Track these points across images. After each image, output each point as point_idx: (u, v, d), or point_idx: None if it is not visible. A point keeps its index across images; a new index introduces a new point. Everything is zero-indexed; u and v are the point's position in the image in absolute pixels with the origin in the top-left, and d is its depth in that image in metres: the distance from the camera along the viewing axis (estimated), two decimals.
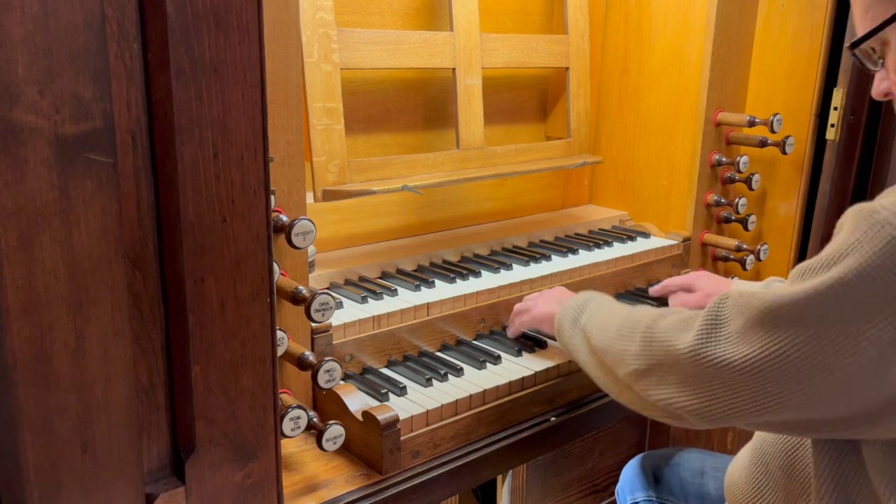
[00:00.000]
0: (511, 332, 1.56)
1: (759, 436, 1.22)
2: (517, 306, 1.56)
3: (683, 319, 1.07)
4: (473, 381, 1.39)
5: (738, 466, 1.25)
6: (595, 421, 1.52)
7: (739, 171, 1.97)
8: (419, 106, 1.83)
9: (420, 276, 1.65)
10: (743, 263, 1.97)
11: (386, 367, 1.45)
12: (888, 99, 1.08)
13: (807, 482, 1.09)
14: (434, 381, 1.37)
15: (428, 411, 1.28)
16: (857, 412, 0.93)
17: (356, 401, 1.26)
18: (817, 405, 0.93)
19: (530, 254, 1.83)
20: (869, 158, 1.90)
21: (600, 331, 1.23)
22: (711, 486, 1.46)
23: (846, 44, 1.06)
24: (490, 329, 1.61)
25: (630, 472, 1.60)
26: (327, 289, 1.49)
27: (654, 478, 1.56)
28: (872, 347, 0.87)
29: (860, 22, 1.04)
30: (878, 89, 1.08)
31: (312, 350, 1.31)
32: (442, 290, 1.58)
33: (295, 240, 1.16)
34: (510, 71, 1.99)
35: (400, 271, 1.70)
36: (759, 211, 2.05)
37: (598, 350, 1.22)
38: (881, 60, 1.04)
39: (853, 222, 0.91)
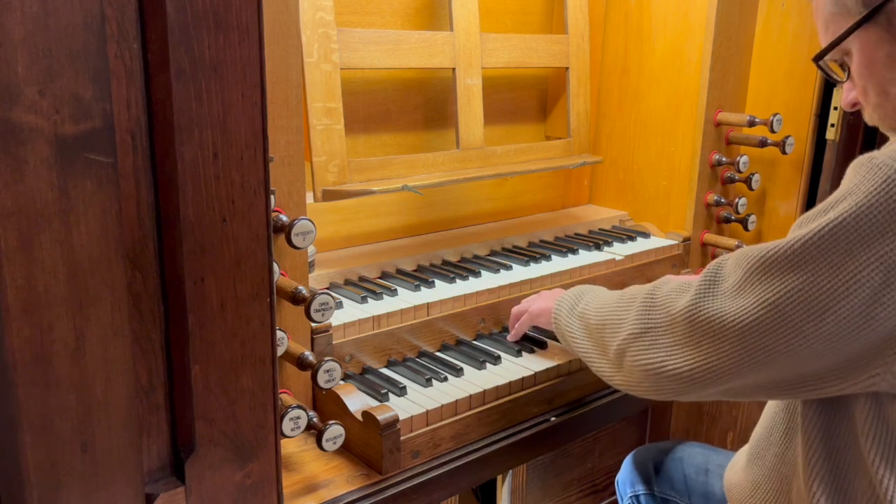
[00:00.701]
0: (512, 337, 1.56)
1: (755, 435, 1.23)
2: (515, 309, 1.56)
3: (685, 282, 1.09)
4: (473, 381, 1.39)
5: (737, 469, 1.26)
6: (595, 421, 1.52)
7: (739, 171, 1.97)
8: (419, 106, 1.83)
9: (420, 276, 1.65)
10: None
11: (386, 367, 1.45)
12: (856, 108, 1.11)
13: (798, 463, 1.09)
14: (434, 382, 1.37)
15: (428, 411, 1.28)
16: (846, 358, 0.94)
17: (356, 401, 1.26)
18: (809, 355, 0.94)
19: (530, 254, 1.83)
20: None
21: (598, 309, 1.24)
22: (717, 484, 1.46)
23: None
24: (490, 329, 1.61)
25: (631, 465, 1.60)
26: (327, 289, 1.49)
27: (656, 470, 1.56)
28: (864, 289, 0.89)
29: (822, 36, 1.08)
30: (846, 100, 1.12)
31: (312, 350, 1.31)
32: (442, 291, 1.58)
33: (295, 240, 1.16)
34: (510, 71, 1.99)
35: (400, 271, 1.70)
36: (759, 211, 2.05)
37: (594, 328, 1.22)
38: (847, 70, 1.08)
39: (853, 171, 0.93)
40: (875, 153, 0.91)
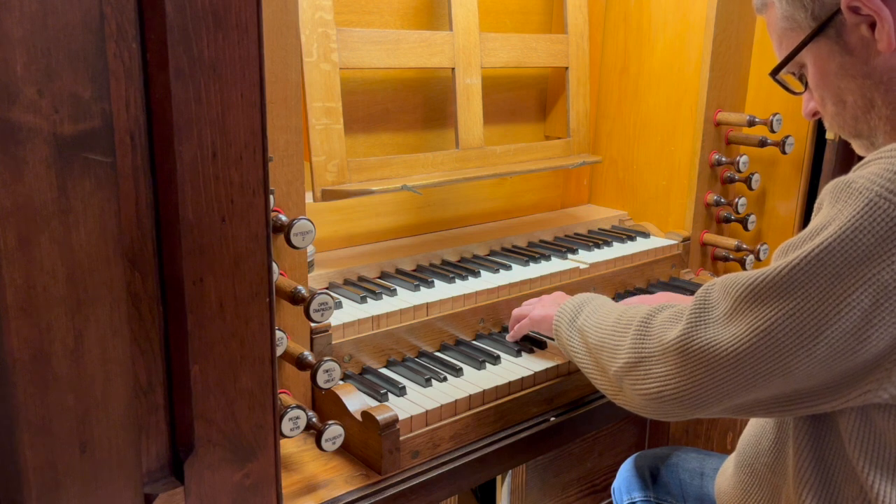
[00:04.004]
0: (511, 337, 1.56)
1: (743, 441, 1.23)
2: (516, 311, 1.56)
3: (677, 311, 1.09)
4: (473, 381, 1.38)
5: (727, 476, 1.26)
6: (594, 421, 1.52)
7: (739, 171, 1.97)
8: (418, 106, 1.83)
9: (419, 276, 1.64)
10: (743, 263, 1.97)
11: (385, 367, 1.45)
12: (817, 118, 1.15)
13: (788, 471, 1.10)
14: (433, 382, 1.37)
15: (427, 411, 1.27)
16: (840, 376, 0.95)
17: (355, 401, 1.26)
18: (804, 376, 0.95)
19: (530, 254, 1.83)
20: None
21: (597, 328, 1.24)
22: (712, 488, 1.46)
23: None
24: (489, 329, 1.61)
25: (627, 472, 1.60)
26: (326, 289, 1.49)
27: (652, 477, 1.56)
28: (855, 312, 0.89)
29: (777, 52, 1.13)
30: (806, 110, 1.16)
31: (311, 350, 1.30)
32: (441, 291, 1.58)
33: (294, 240, 1.15)
34: (509, 70, 1.99)
35: (399, 271, 1.70)
36: (758, 211, 2.05)
37: (594, 348, 1.22)
38: (806, 83, 1.12)
39: (832, 196, 0.94)
40: (852, 177, 0.92)
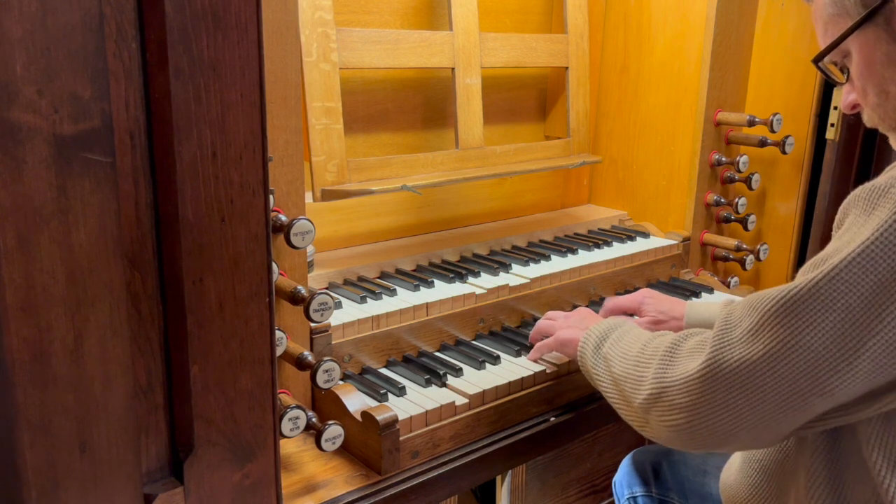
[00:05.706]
0: (532, 356, 1.48)
1: None
2: (540, 323, 1.50)
3: (702, 340, 1.06)
4: (473, 381, 1.38)
5: (733, 471, 1.25)
6: (594, 421, 1.52)
7: (739, 171, 1.97)
8: (418, 106, 1.83)
9: (419, 276, 1.64)
10: (743, 263, 1.97)
11: (385, 367, 1.45)
12: (856, 111, 1.12)
13: (799, 469, 1.09)
14: (433, 382, 1.37)
15: (427, 411, 1.27)
16: (874, 387, 0.92)
17: (355, 401, 1.26)
18: (843, 395, 0.92)
19: (529, 254, 1.83)
20: (869, 158, 1.90)
21: (622, 357, 1.20)
22: (714, 486, 1.46)
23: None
24: (489, 329, 1.60)
25: (628, 466, 1.59)
26: (326, 289, 1.49)
27: (654, 473, 1.55)
28: None
29: (821, 39, 1.10)
30: (845, 102, 1.12)
31: (311, 350, 1.30)
32: (441, 290, 1.58)
33: (294, 240, 1.15)
34: (509, 70, 1.99)
35: (399, 271, 1.70)
36: (758, 211, 2.05)
37: (618, 379, 1.18)
38: (847, 73, 1.09)
39: (865, 203, 0.91)
40: (880, 182, 0.90)
